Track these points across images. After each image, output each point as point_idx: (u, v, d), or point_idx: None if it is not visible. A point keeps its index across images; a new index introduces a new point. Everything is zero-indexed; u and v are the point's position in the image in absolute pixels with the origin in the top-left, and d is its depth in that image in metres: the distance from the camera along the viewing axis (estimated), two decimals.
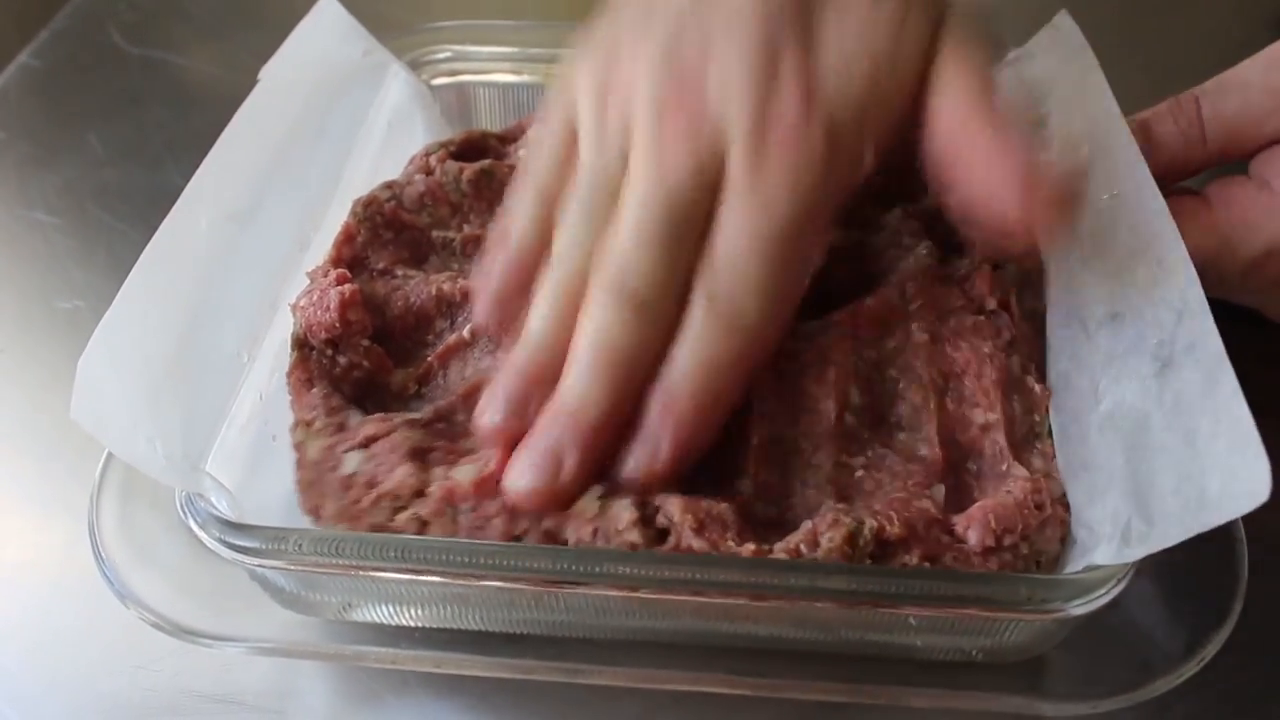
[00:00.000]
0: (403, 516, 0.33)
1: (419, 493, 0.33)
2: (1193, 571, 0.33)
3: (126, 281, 0.35)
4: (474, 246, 0.44)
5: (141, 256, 0.36)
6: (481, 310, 0.37)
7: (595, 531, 0.32)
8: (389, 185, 0.45)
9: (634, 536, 0.32)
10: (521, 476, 0.32)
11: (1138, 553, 0.31)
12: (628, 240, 0.34)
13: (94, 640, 0.38)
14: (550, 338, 0.34)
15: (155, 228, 0.37)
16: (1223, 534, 0.33)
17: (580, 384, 0.33)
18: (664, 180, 0.34)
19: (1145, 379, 0.34)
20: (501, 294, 0.37)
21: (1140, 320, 0.35)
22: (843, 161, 0.35)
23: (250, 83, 0.43)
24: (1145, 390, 0.33)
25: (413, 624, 0.35)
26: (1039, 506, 0.34)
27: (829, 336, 0.38)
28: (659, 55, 0.35)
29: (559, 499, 0.33)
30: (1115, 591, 0.31)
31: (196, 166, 0.39)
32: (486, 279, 0.37)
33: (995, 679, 0.33)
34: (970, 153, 0.34)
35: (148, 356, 0.35)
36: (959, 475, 0.36)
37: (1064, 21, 0.47)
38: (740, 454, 0.36)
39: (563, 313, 0.34)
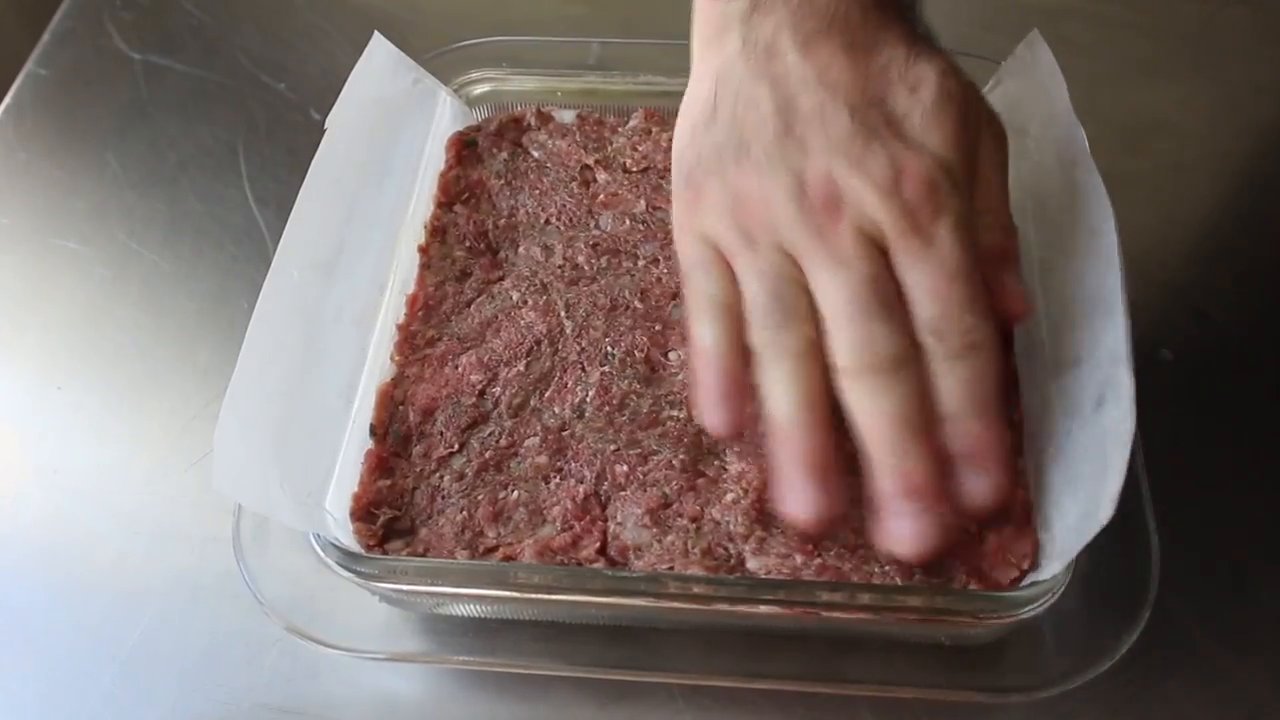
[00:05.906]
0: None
1: None
2: (1115, 579, 0.41)
3: (243, 346, 0.41)
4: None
5: (252, 319, 0.41)
6: (709, 418, 0.40)
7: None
8: (445, 209, 0.52)
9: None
10: (918, 545, 0.38)
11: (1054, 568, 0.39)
12: (850, 319, 0.38)
13: (178, 657, 0.44)
14: (808, 421, 0.38)
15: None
16: (1139, 544, 0.40)
17: (905, 460, 0.37)
18: (846, 263, 0.38)
19: (1085, 416, 0.41)
20: (723, 397, 0.40)
21: (1091, 364, 0.41)
22: (964, 185, 0.39)
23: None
24: (1084, 424, 0.41)
25: (493, 617, 0.43)
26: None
27: None
28: (779, 169, 0.39)
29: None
30: (1050, 601, 0.39)
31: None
32: (703, 390, 0.40)
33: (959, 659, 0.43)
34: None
35: (271, 414, 0.41)
36: None
37: (1035, 41, 0.50)
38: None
39: (801, 393, 0.38)
